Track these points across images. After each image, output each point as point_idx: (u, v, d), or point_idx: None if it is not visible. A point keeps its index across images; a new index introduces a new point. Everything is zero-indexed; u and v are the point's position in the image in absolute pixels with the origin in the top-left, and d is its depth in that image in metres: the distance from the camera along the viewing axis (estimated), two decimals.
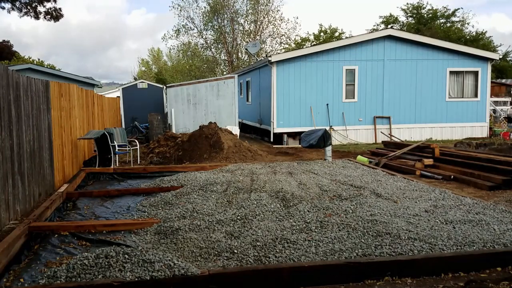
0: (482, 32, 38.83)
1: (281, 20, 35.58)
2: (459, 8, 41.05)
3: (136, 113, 19.18)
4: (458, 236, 4.25)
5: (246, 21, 35.59)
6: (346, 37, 29.31)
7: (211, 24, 35.32)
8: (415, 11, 40.76)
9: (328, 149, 10.08)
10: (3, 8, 15.41)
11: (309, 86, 15.37)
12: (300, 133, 13.33)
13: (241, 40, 35.47)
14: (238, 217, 5.04)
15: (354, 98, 15.70)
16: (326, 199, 5.90)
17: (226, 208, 5.57)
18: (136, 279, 3.30)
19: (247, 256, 3.85)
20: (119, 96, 20.07)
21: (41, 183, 6.33)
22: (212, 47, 36.62)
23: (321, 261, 3.69)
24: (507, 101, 24.99)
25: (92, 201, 6.30)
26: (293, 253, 3.91)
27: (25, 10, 15.81)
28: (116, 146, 9.75)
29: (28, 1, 15.52)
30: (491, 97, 19.22)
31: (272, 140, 15.49)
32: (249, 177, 7.52)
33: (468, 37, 38.12)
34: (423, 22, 39.47)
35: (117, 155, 9.93)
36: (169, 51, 46.01)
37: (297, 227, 4.66)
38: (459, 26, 39.41)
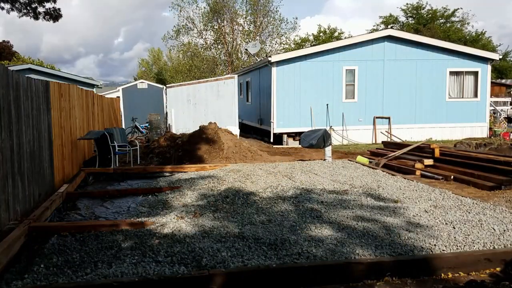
0: (481, 32, 38.86)
1: (280, 20, 35.63)
2: (458, 8, 41.00)
3: (136, 113, 19.20)
4: (458, 236, 4.25)
5: (245, 22, 35.61)
6: (346, 37, 29.34)
7: (210, 25, 35.35)
8: (414, 11, 40.78)
9: (328, 149, 10.07)
10: (3, 8, 15.31)
11: (309, 86, 15.36)
12: (300, 133, 13.32)
13: (241, 40, 35.49)
14: (239, 217, 5.03)
15: (354, 98, 15.69)
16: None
17: (226, 208, 5.56)
18: (137, 279, 3.29)
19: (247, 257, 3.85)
20: (119, 96, 20.08)
21: (41, 183, 6.33)
22: (212, 47, 36.62)
23: (321, 261, 3.69)
24: (507, 101, 25.02)
25: (92, 201, 6.30)
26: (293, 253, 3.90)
27: (25, 11, 15.72)
28: (116, 146, 9.74)
29: (27, 1, 15.43)
30: (491, 97, 19.21)
31: (272, 140, 15.48)
32: (249, 177, 7.51)
33: (467, 37, 38.15)
34: (423, 22, 39.49)
35: (117, 156, 9.92)
36: (169, 51, 45.96)
37: (297, 227, 4.66)
38: (458, 26, 39.44)
